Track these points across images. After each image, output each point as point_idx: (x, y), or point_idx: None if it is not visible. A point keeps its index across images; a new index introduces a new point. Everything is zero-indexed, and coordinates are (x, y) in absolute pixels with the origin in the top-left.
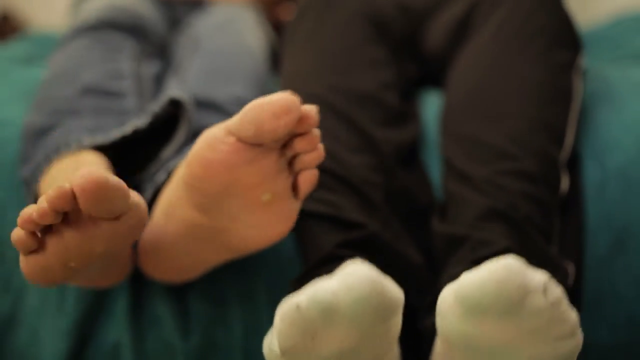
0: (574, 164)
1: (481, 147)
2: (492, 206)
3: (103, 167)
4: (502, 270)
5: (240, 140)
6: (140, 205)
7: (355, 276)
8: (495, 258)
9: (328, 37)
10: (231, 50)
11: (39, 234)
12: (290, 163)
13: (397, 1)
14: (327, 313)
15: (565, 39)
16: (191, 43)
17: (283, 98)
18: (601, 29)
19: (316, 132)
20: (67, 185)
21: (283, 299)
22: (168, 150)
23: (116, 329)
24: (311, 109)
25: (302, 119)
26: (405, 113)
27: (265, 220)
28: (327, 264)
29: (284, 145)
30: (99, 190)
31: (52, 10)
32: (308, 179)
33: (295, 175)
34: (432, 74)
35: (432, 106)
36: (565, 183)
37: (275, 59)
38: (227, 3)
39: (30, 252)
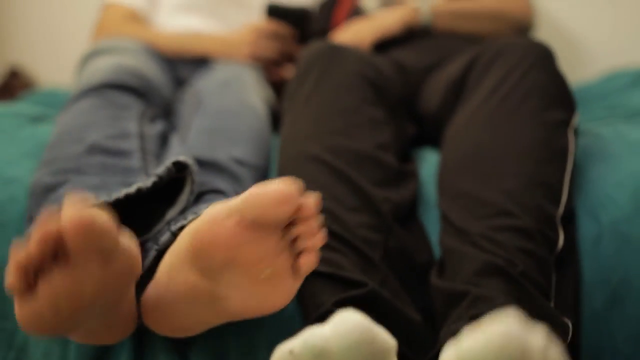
0: (570, 219)
1: (478, 204)
2: (490, 262)
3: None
4: (503, 335)
5: (242, 221)
6: (132, 250)
7: (347, 324)
8: (496, 315)
9: (327, 99)
10: (233, 109)
11: (31, 278)
12: (293, 242)
13: (395, 61)
14: (319, 358)
15: (559, 98)
16: (194, 101)
17: (284, 188)
18: (593, 85)
19: (316, 220)
20: (54, 225)
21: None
22: (172, 212)
23: None
24: (311, 201)
25: (302, 208)
26: (403, 172)
27: (264, 293)
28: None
29: (287, 226)
30: (86, 228)
31: (60, 67)
32: (308, 261)
33: (296, 255)
34: (430, 132)
35: (429, 164)
36: (561, 239)
37: (275, 118)
38: (230, 62)
39: (22, 296)
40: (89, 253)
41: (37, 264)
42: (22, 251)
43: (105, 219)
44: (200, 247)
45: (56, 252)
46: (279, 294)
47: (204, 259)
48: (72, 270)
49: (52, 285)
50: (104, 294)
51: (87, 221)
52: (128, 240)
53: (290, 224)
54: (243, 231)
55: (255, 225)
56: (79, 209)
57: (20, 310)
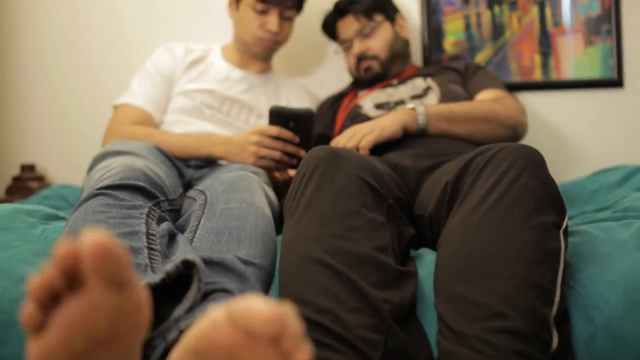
0: (564, 320)
1: (473, 306)
2: None
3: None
4: None
5: (238, 328)
6: (143, 289)
7: None
8: None
9: (328, 203)
10: (239, 210)
11: (46, 311)
12: (286, 355)
13: (393, 164)
14: None
15: (549, 202)
16: (201, 202)
17: (269, 311)
18: (583, 182)
19: (299, 338)
20: (73, 248)
21: None
22: (179, 310)
23: None
24: (293, 324)
25: (286, 327)
26: (402, 273)
27: None
28: None
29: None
30: (105, 252)
31: (69, 165)
32: None
33: None
34: (426, 234)
35: (428, 264)
36: (555, 340)
37: (277, 219)
38: (235, 163)
39: (35, 331)
40: (106, 279)
41: (54, 290)
42: (39, 277)
43: (123, 249)
44: (202, 350)
45: (72, 281)
46: None
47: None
48: (88, 298)
49: (67, 316)
50: (117, 331)
51: (106, 245)
52: (139, 280)
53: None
54: (239, 338)
55: (249, 334)
56: (99, 235)
57: (33, 349)
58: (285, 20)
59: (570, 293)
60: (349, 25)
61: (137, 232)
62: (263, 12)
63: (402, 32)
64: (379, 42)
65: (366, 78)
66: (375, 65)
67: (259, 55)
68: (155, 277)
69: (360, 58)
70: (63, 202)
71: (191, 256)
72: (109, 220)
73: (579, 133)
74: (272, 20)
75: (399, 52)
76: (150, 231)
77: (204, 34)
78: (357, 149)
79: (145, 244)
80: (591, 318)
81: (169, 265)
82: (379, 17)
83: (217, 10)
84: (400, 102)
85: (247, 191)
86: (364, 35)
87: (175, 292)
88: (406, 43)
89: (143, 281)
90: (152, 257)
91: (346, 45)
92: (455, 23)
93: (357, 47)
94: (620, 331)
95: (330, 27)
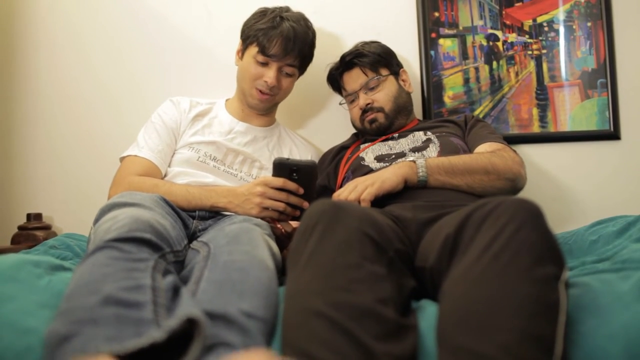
0: None
1: (476, 357)
2: None
3: None
4: None
5: None
6: None
7: None
8: None
9: (330, 255)
10: (242, 263)
11: None
12: None
13: (394, 217)
14: None
15: (548, 255)
16: (204, 254)
17: None
18: (582, 233)
19: None
20: None
21: None
22: None
23: None
24: None
25: None
26: (403, 326)
27: None
28: None
29: None
30: None
31: (75, 214)
32: None
33: None
34: (428, 285)
35: (429, 316)
36: None
37: (279, 271)
38: (239, 214)
39: None
40: None
41: None
42: None
43: None
44: None
45: None
46: None
47: None
48: None
49: None
50: None
51: None
52: None
53: None
54: None
55: None
56: None
57: None
58: (286, 76)
59: (571, 345)
60: (355, 78)
61: (142, 286)
62: (263, 65)
63: (405, 86)
64: (384, 95)
65: (371, 130)
66: (380, 117)
67: (253, 106)
68: (162, 334)
69: (366, 110)
70: (69, 251)
71: (196, 313)
72: (115, 274)
73: (577, 184)
74: (270, 73)
75: (402, 105)
76: (155, 284)
77: (205, 92)
78: (359, 202)
79: (151, 298)
80: None
81: (174, 322)
82: (384, 71)
83: (214, 66)
84: (401, 155)
85: (250, 243)
86: (369, 88)
87: (176, 341)
88: (409, 96)
89: (149, 338)
90: (157, 311)
91: (351, 97)
92: (454, 77)
93: (363, 99)
94: None
95: (335, 79)
